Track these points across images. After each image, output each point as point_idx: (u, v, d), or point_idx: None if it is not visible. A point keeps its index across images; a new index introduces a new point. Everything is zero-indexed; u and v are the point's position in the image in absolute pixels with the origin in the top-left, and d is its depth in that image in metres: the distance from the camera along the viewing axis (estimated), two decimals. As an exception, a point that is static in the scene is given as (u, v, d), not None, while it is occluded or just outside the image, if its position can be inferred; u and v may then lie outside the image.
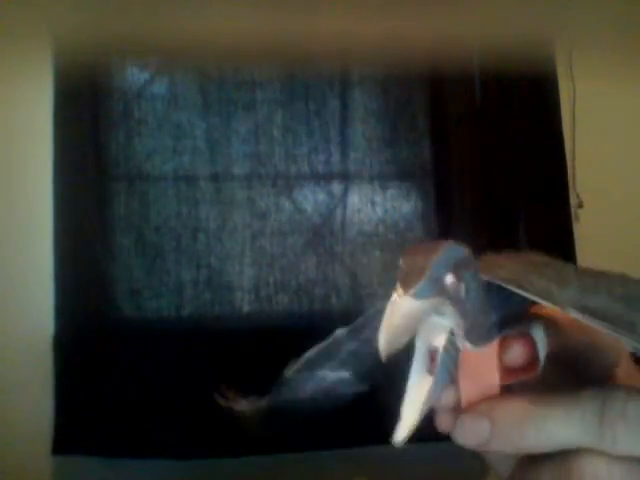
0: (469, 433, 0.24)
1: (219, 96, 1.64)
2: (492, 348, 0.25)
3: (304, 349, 0.32)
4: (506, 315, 0.25)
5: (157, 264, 1.60)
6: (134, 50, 1.59)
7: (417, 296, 0.23)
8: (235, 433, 1.50)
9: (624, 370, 0.28)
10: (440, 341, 0.24)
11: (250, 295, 1.61)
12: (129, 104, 1.62)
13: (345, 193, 1.67)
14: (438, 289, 0.23)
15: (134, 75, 1.65)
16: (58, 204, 1.55)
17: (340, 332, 0.30)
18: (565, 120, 1.69)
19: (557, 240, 1.64)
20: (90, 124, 1.58)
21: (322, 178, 1.68)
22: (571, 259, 1.60)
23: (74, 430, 1.48)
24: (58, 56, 1.56)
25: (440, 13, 1.53)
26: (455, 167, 1.67)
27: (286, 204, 1.65)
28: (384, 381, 0.29)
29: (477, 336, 0.25)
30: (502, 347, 0.25)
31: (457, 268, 0.24)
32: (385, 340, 0.23)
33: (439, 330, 0.25)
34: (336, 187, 1.67)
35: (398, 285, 0.23)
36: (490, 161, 1.65)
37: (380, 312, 0.24)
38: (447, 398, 0.26)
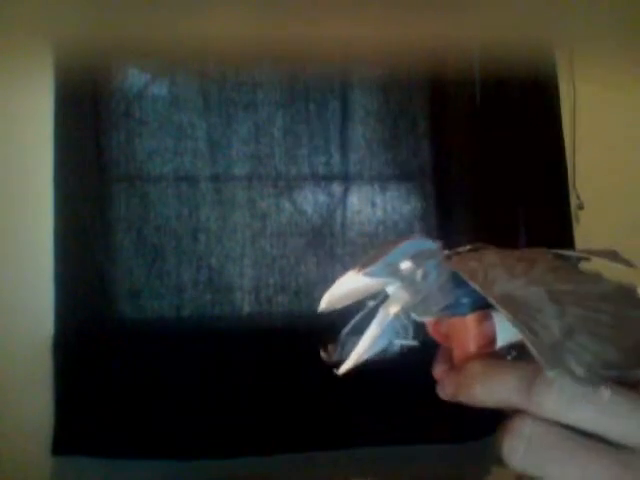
0: (443, 388, 0.31)
1: (220, 97, 1.65)
2: (470, 322, 0.31)
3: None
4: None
5: (157, 265, 1.60)
6: (135, 51, 1.59)
7: (367, 275, 0.30)
8: (235, 433, 1.50)
9: None
10: (393, 309, 0.31)
11: (250, 296, 1.62)
12: (130, 105, 1.62)
13: (345, 194, 1.67)
14: (391, 271, 0.30)
15: (135, 76, 1.66)
16: (58, 204, 1.56)
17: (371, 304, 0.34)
18: (565, 121, 1.69)
19: (557, 241, 1.64)
20: (91, 125, 1.59)
21: (322, 179, 1.68)
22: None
23: (74, 430, 1.48)
24: (59, 57, 1.56)
25: (440, 15, 1.54)
26: (455, 168, 1.68)
27: (286, 205, 1.66)
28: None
29: (425, 310, 0.31)
30: (479, 321, 0.31)
31: (417, 257, 0.30)
32: (326, 299, 0.32)
33: (395, 302, 0.31)
34: (336, 188, 1.68)
35: (358, 265, 0.31)
36: (490, 162, 1.65)
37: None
38: (442, 365, 0.33)
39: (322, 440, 1.50)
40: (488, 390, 0.28)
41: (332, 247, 1.64)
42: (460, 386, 0.30)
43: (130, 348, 1.53)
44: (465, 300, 0.30)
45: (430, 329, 0.32)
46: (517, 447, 0.27)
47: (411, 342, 0.32)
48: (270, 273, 1.62)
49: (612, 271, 0.31)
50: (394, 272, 0.30)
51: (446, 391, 0.31)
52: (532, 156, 1.66)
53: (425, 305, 0.31)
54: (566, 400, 0.26)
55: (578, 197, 1.68)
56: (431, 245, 0.31)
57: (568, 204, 1.67)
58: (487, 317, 0.31)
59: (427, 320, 0.32)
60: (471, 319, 0.31)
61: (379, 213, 1.68)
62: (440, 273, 0.30)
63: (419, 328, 0.32)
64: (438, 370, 0.33)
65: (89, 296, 1.55)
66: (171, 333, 1.57)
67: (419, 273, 0.30)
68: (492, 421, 0.29)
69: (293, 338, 1.54)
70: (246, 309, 1.61)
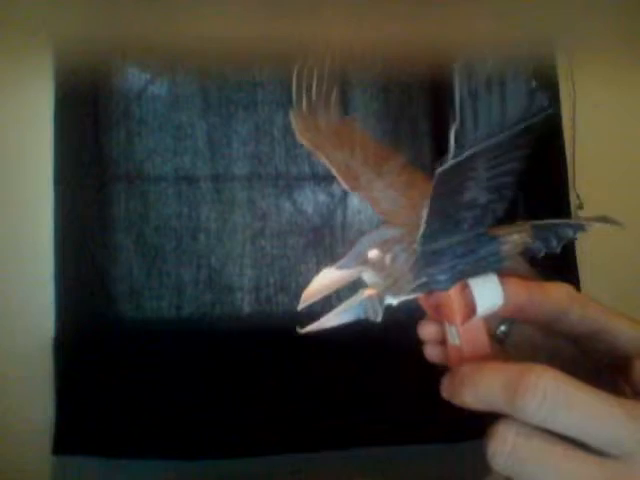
0: (442, 391, 0.31)
1: (219, 97, 1.65)
2: (452, 294, 0.32)
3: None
4: (472, 273, 0.32)
5: (157, 264, 1.60)
6: (135, 51, 1.59)
7: (339, 268, 0.33)
8: (235, 433, 1.50)
9: None
10: (368, 292, 0.33)
11: (250, 296, 1.61)
12: (130, 105, 1.62)
13: (345, 194, 1.67)
14: (361, 261, 0.33)
15: (135, 76, 1.66)
16: (58, 204, 1.56)
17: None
18: (565, 121, 1.69)
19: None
20: (90, 125, 1.59)
21: (323, 179, 1.68)
22: (571, 260, 1.61)
23: (74, 430, 1.48)
24: (58, 56, 1.56)
25: (441, 15, 1.54)
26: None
27: (286, 205, 1.66)
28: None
29: (399, 291, 0.32)
30: (460, 292, 0.32)
31: (385, 244, 0.33)
32: (304, 296, 0.35)
33: (371, 287, 0.33)
34: (336, 188, 1.68)
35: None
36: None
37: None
38: (431, 333, 0.34)
39: (322, 440, 1.50)
40: (475, 394, 0.29)
41: (332, 247, 1.64)
42: (452, 389, 0.30)
43: (130, 348, 1.53)
44: (441, 277, 0.32)
45: (423, 303, 0.34)
46: (501, 452, 0.27)
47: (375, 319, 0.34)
48: (270, 273, 1.62)
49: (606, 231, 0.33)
50: (363, 261, 0.33)
51: (442, 393, 0.31)
52: (532, 155, 1.66)
53: (398, 286, 0.32)
54: (549, 406, 0.26)
55: (578, 197, 1.68)
56: (396, 231, 0.33)
57: (568, 204, 1.67)
58: (465, 287, 0.32)
59: (418, 297, 0.34)
60: (453, 292, 0.32)
61: (379, 213, 1.68)
62: (409, 255, 0.32)
63: (389, 310, 0.34)
64: (424, 330, 0.34)
65: (89, 296, 1.55)
66: (171, 333, 1.57)
67: (387, 258, 0.32)
68: (492, 421, 0.29)
69: (293, 338, 1.54)
70: (246, 309, 1.61)
